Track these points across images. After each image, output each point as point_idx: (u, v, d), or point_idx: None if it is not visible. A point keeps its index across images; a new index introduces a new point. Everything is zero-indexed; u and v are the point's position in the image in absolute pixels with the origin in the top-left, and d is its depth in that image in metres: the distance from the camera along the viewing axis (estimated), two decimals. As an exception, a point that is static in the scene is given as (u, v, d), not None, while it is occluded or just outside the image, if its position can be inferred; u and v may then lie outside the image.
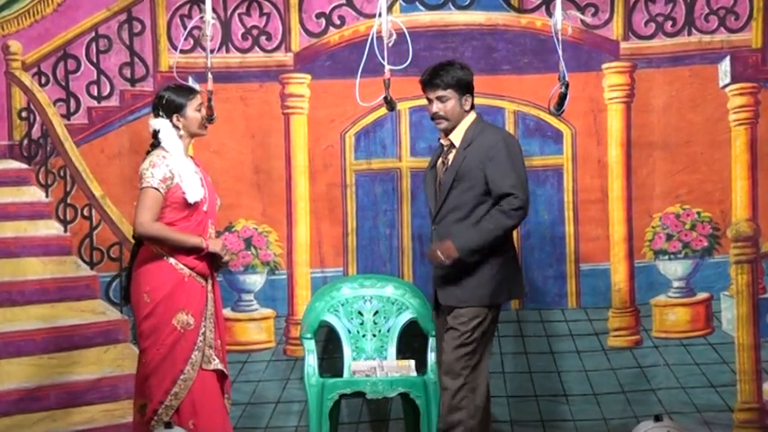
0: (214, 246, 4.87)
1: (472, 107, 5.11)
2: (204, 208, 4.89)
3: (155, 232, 4.81)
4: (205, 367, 4.87)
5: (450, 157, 5.04)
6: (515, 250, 5.19)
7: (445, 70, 5.02)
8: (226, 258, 4.94)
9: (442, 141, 5.10)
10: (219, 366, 4.90)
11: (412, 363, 5.56)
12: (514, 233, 5.84)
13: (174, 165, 4.82)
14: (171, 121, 4.86)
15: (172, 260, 4.85)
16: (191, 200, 4.79)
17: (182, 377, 4.83)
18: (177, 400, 4.83)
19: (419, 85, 5.07)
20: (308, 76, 5.98)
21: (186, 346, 4.84)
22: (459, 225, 4.99)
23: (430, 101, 5.04)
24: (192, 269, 4.86)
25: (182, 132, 4.88)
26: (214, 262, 4.93)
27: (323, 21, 5.99)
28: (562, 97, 4.82)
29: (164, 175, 4.79)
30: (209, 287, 4.92)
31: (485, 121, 5.16)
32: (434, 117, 5.05)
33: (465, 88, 5.04)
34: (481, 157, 4.93)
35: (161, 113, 4.86)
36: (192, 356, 4.85)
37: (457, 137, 5.05)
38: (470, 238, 4.87)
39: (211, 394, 4.88)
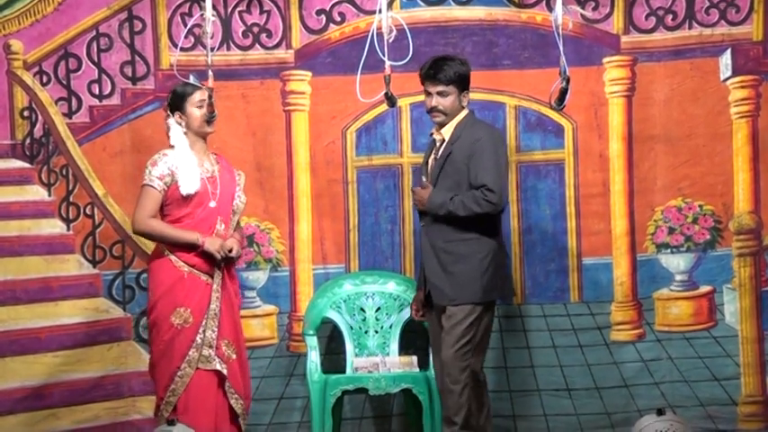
0: (210, 245, 4.87)
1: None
2: (211, 204, 4.94)
3: (149, 229, 4.94)
4: (202, 367, 4.88)
5: (440, 152, 5.07)
6: (505, 250, 5.19)
7: (448, 65, 5.04)
8: (225, 254, 4.90)
9: (434, 136, 5.14)
10: (218, 367, 4.90)
11: (414, 359, 5.57)
12: (514, 228, 5.89)
13: (175, 161, 4.91)
14: (174, 117, 4.97)
15: (172, 257, 4.93)
16: (183, 192, 4.87)
17: (178, 374, 4.85)
18: (175, 397, 4.87)
19: (419, 76, 5.09)
20: (309, 73, 5.98)
21: (183, 343, 4.86)
22: (442, 222, 5.00)
23: (429, 94, 5.06)
24: (192, 266, 4.90)
25: (185, 129, 4.98)
26: (224, 259, 4.94)
27: (323, 17, 5.99)
28: (563, 92, 4.81)
29: (161, 173, 4.90)
30: (217, 285, 4.94)
31: (476, 117, 5.17)
32: (431, 110, 5.08)
33: (465, 84, 5.06)
34: (467, 152, 4.97)
35: (169, 111, 5.00)
36: (189, 354, 4.86)
37: (447, 132, 5.08)
38: (442, 202, 4.95)
39: (204, 394, 4.88)
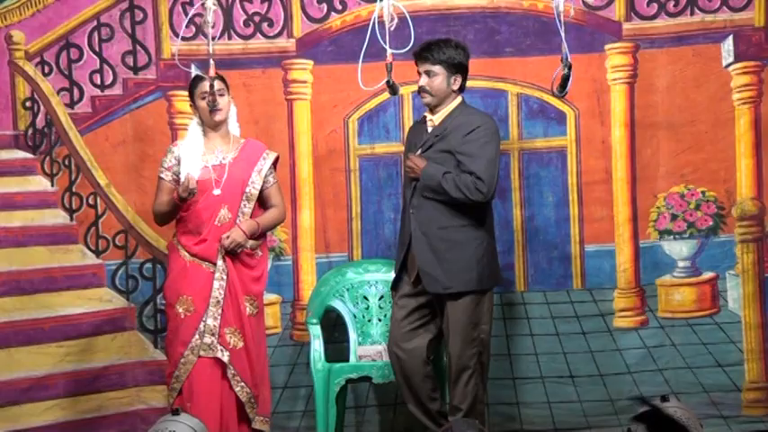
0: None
1: (461, 89, 5.12)
2: (215, 192, 4.99)
3: (156, 212, 5.12)
4: (204, 354, 4.92)
5: (430, 137, 5.07)
6: (494, 238, 5.20)
7: (438, 46, 5.07)
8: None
9: (426, 114, 5.13)
10: (219, 355, 4.93)
11: (418, 346, 5.57)
12: (517, 215, 5.88)
13: (181, 151, 5.04)
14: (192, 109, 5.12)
15: (179, 246, 5.04)
16: (182, 179, 4.92)
17: (182, 360, 4.93)
18: (179, 383, 4.94)
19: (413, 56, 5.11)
20: (311, 62, 5.98)
21: (186, 330, 4.94)
22: (434, 209, 5.00)
23: (419, 74, 5.09)
24: (193, 255, 4.96)
25: (197, 120, 5.09)
26: (232, 251, 4.98)
27: (324, 6, 5.98)
28: (565, 79, 4.81)
29: (169, 164, 5.08)
30: (219, 273, 4.97)
31: (469, 106, 5.17)
32: (420, 91, 5.10)
33: (456, 68, 5.06)
34: (459, 140, 4.97)
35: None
36: (192, 341, 4.92)
37: (439, 118, 5.09)
38: (435, 173, 4.95)
39: (207, 381, 4.93)
